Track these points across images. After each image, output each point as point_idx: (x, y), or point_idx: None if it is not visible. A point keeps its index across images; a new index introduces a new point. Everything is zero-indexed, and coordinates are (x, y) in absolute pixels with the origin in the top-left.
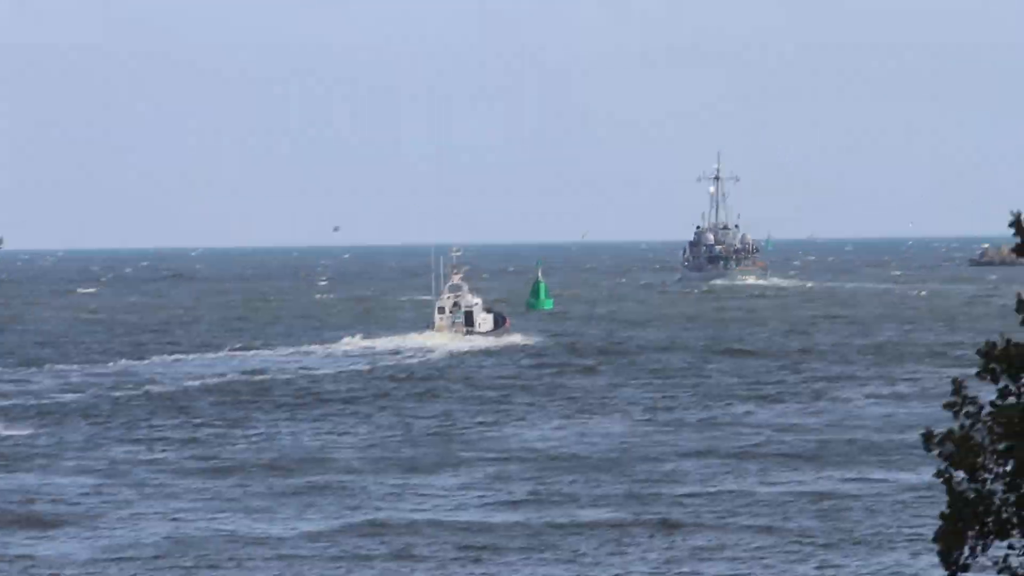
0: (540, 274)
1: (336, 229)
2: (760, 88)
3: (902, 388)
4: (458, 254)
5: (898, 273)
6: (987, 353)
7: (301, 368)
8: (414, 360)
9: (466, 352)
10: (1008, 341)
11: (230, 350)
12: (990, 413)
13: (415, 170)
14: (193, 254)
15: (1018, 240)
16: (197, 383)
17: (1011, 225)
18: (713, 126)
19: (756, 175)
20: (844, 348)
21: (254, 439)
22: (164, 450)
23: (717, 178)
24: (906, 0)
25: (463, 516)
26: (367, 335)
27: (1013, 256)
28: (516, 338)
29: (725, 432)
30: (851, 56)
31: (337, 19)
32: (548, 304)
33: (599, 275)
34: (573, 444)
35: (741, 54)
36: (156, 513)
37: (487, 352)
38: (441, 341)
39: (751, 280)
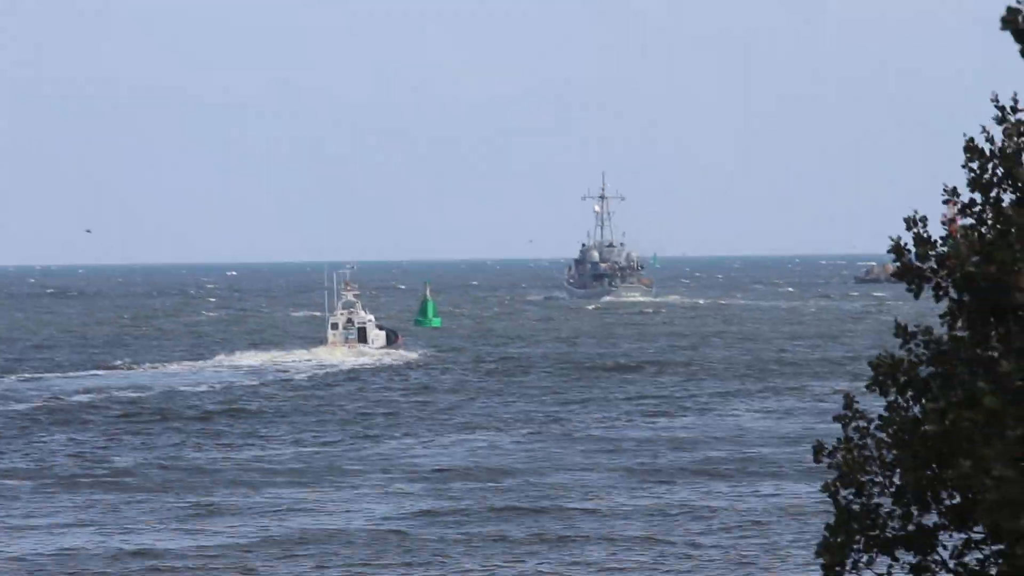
0: (428, 292)
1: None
2: (648, 108)
3: (792, 402)
4: (352, 270)
5: (791, 290)
6: (877, 367)
7: (191, 384)
8: (306, 375)
9: (359, 368)
10: (894, 356)
11: (123, 366)
12: (879, 426)
13: (296, 187)
14: (80, 272)
15: (897, 264)
16: (85, 398)
17: (890, 251)
18: (601, 145)
19: (644, 194)
20: (733, 363)
21: (143, 454)
22: (48, 464)
23: (602, 196)
24: (785, 22)
25: (352, 527)
26: (260, 350)
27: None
28: (408, 354)
29: (612, 447)
30: (738, 77)
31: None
32: (436, 322)
33: (486, 292)
34: (462, 459)
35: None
36: (35, 528)
37: (380, 368)
38: (334, 357)
39: (636, 297)
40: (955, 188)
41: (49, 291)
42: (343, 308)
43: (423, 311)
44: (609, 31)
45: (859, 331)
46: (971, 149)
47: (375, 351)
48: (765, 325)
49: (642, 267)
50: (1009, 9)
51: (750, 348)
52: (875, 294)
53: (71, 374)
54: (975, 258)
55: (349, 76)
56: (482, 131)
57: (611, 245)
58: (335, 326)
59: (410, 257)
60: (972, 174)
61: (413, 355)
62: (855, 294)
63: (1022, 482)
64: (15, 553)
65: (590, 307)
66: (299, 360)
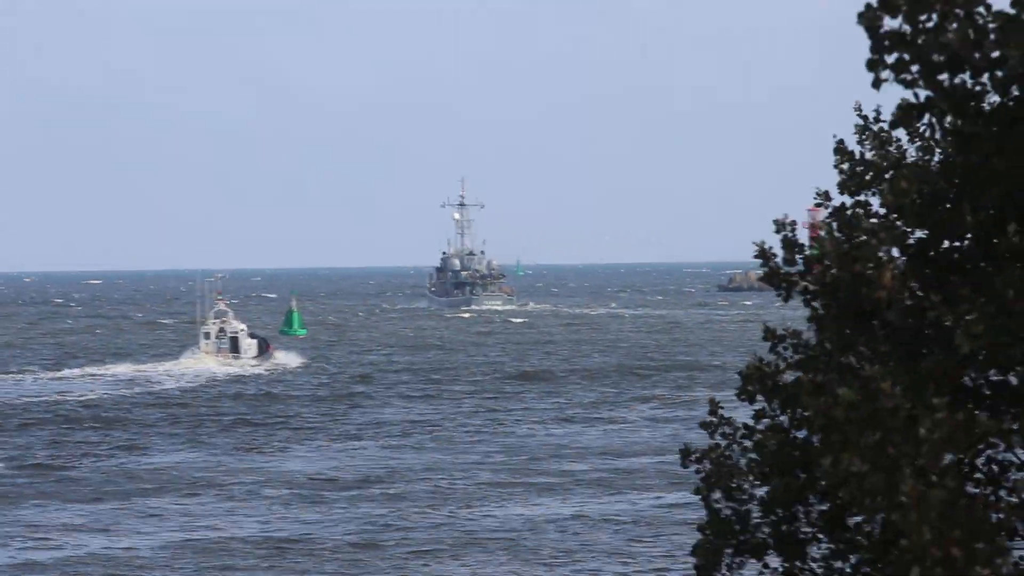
0: (294, 303)
1: None
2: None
3: (665, 411)
4: (223, 279)
5: (660, 298)
6: (747, 376)
7: (58, 393)
8: (177, 386)
9: (231, 377)
10: (761, 362)
11: None
12: (744, 434)
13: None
14: None
15: (764, 269)
16: None
17: (756, 256)
18: (462, 152)
19: (506, 201)
20: (605, 371)
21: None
22: None
23: (462, 204)
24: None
25: (210, 537)
26: (129, 361)
27: (761, 282)
28: (280, 363)
29: (479, 455)
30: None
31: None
32: (301, 332)
33: (352, 300)
34: (330, 468)
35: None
36: None
37: (252, 377)
38: (206, 366)
39: (497, 306)
40: (827, 192)
41: None
42: (215, 317)
43: (288, 321)
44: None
45: (734, 338)
46: (841, 151)
47: (248, 360)
48: (640, 333)
49: (503, 275)
50: (867, 6)
51: (624, 355)
52: (745, 302)
53: None
54: (838, 259)
55: (204, 80)
56: (344, 133)
57: (472, 253)
58: (207, 335)
59: (274, 265)
60: (842, 176)
61: (285, 364)
62: (724, 302)
63: (878, 476)
64: None
65: (448, 315)
66: (170, 370)
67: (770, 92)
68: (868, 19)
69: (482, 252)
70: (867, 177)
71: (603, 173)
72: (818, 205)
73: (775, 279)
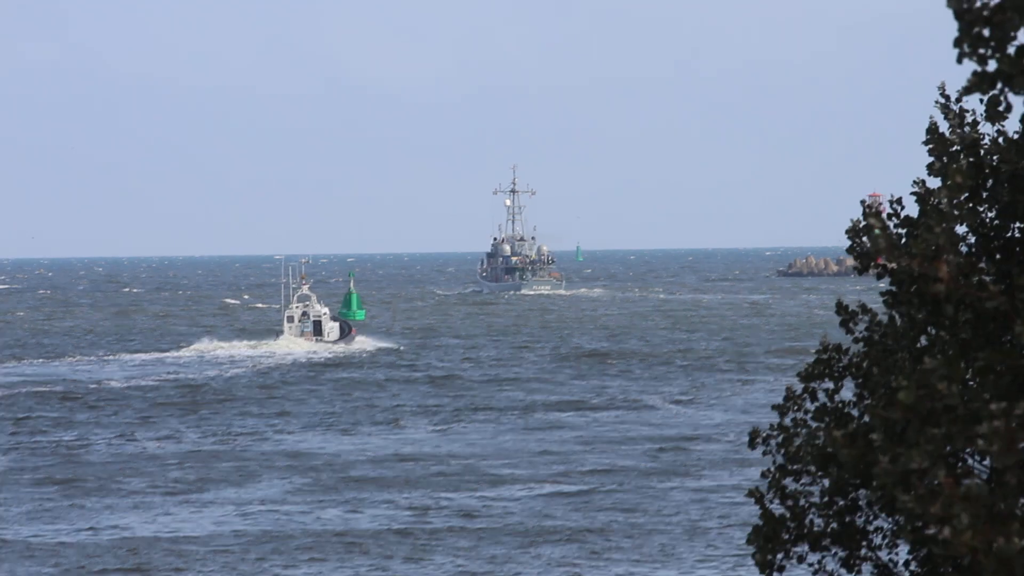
0: (352, 285)
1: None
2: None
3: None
4: (306, 263)
5: (727, 283)
6: (807, 376)
7: (145, 375)
8: (262, 367)
9: (314, 360)
10: (830, 346)
11: (69, 358)
12: (813, 416)
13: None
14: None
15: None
16: (45, 389)
17: (848, 232)
18: (513, 140)
19: (567, 187)
20: (663, 354)
21: (69, 446)
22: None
23: (513, 191)
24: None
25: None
26: (218, 341)
27: (821, 265)
28: (362, 346)
29: (535, 437)
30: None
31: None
32: (360, 315)
33: (407, 285)
34: (397, 449)
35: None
36: None
37: (336, 360)
38: (291, 349)
39: (546, 290)
40: (923, 181)
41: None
42: (298, 301)
43: (347, 303)
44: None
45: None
46: (932, 131)
47: (330, 343)
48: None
49: (553, 261)
50: None
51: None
52: (806, 285)
53: (52, 362)
54: (891, 252)
55: (263, 64)
56: (396, 124)
57: (522, 239)
58: (291, 319)
59: (328, 251)
60: (933, 158)
61: (368, 347)
62: (783, 285)
63: (937, 471)
64: None
65: (505, 298)
66: (256, 352)
67: (836, 72)
68: (956, 2)
69: (532, 238)
70: (946, 159)
71: (663, 157)
72: (913, 194)
73: (860, 256)
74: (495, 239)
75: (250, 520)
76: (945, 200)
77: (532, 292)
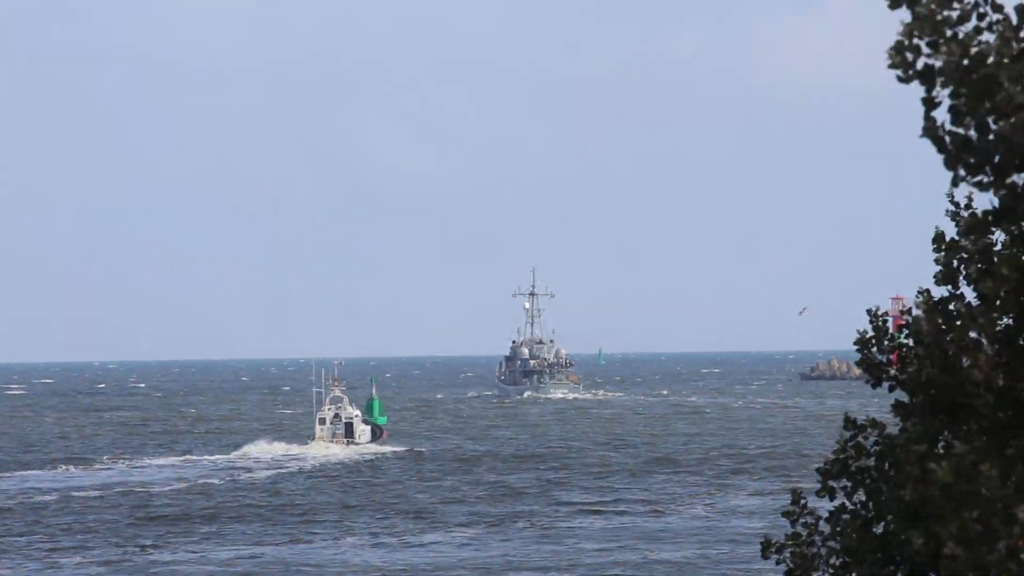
0: (374, 390)
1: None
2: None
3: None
4: (339, 365)
5: (755, 387)
6: (826, 473)
7: (172, 480)
8: (299, 470)
9: (348, 462)
10: (844, 449)
11: (102, 461)
12: (826, 519)
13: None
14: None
15: (862, 355)
16: (91, 495)
17: (856, 343)
18: (531, 242)
19: (588, 289)
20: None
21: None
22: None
23: (532, 294)
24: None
25: None
26: (251, 445)
27: (844, 369)
28: (393, 449)
29: (560, 546)
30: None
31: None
32: (382, 420)
33: (424, 388)
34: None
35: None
36: None
37: (366, 463)
38: (323, 452)
39: (563, 393)
40: (927, 290)
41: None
42: (330, 403)
43: (369, 409)
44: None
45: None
46: (940, 240)
47: (362, 446)
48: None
49: (571, 364)
50: (926, 117)
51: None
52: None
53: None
54: (935, 337)
55: (277, 157)
56: (409, 221)
57: (540, 342)
58: (323, 421)
59: (348, 355)
60: (940, 267)
61: (398, 450)
62: (804, 390)
63: (971, 560)
64: None
65: (519, 399)
66: (287, 455)
67: (856, 183)
68: (930, 131)
69: (551, 341)
70: (958, 266)
71: (685, 260)
72: (918, 305)
73: (869, 368)
74: (513, 342)
75: None
76: (989, 291)
77: (550, 395)
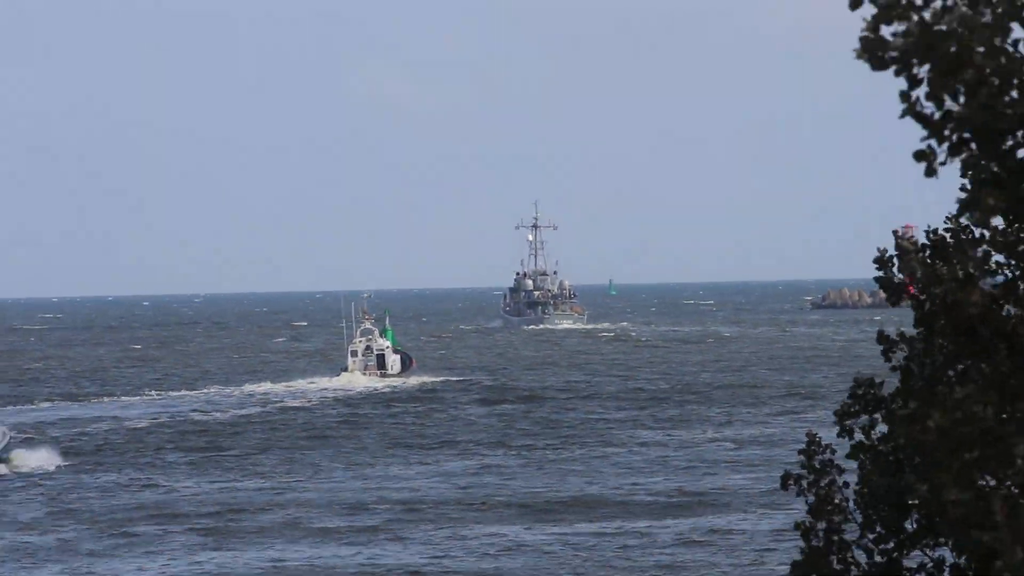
0: (388, 322)
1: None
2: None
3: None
4: (367, 298)
5: (779, 314)
6: (842, 415)
7: (210, 410)
8: (331, 400)
9: (382, 393)
10: (862, 384)
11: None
12: (848, 455)
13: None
14: (55, 300)
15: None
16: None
17: (875, 261)
18: (536, 175)
19: (590, 223)
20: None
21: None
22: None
23: (535, 226)
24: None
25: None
26: (282, 379)
27: (855, 297)
28: (423, 378)
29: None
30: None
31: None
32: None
33: (432, 320)
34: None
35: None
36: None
37: (402, 393)
38: (356, 382)
39: (568, 324)
40: (935, 229)
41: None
42: (361, 335)
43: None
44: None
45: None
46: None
47: (394, 376)
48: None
49: (574, 295)
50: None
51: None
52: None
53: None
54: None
55: (286, 97)
56: (409, 152)
57: (544, 274)
58: (355, 353)
59: (346, 287)
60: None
61: (428, 379)
62: (814, 318)
63: (976, 503)
64: None
65: (526, 331)
66: (323, 387)
67: (873, 102)
68: (910, 110)
69: (555, 273)
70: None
71: (696, 188)
72: (946, 230)
73: (887, 287)
74: (517, 274)
75: None
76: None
77: (554, 326)
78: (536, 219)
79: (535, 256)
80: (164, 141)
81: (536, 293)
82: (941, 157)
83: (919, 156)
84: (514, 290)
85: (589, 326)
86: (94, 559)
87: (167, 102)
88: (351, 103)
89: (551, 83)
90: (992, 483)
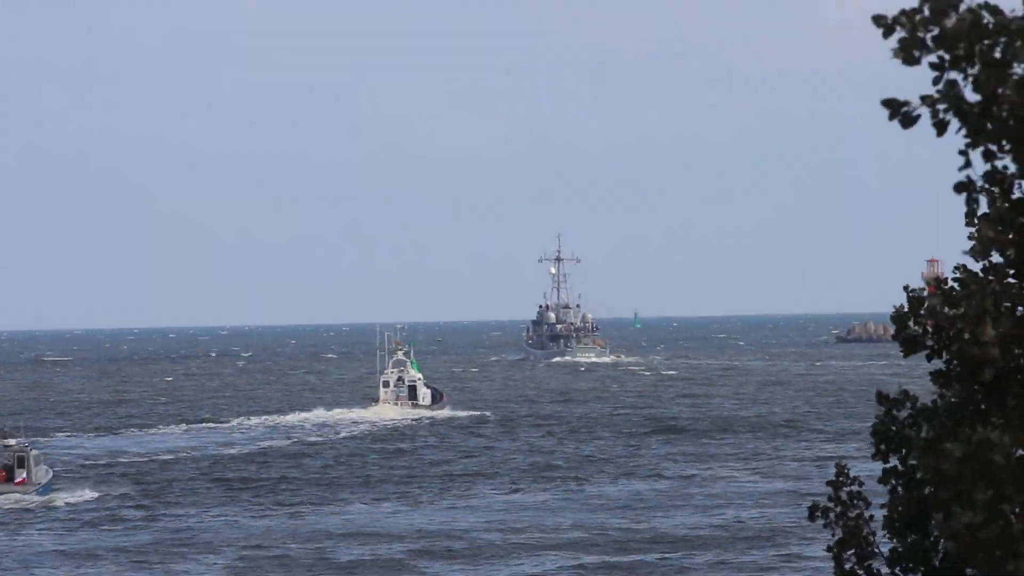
0: (412, 354)
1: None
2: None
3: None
4: (401, 329)
5: (792, 350)
6: (877, 434)
7: (237, 441)
8: (361, 432)
9: (414, 425)
10: (887, 417)
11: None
12: (880, 482)
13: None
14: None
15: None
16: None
17: (892, 318)
18: (557, 208)
19: (614, 256)
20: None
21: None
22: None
23: (558, 259)
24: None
25: None
26: (314, 409)
27: (880, 331)
28: (453, 412)
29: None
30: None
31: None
32: None
33: (453, 353)
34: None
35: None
36: None
37: (439, 425)
38: (388, 414)
39: (591, 357)
40: (964, 265)
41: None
42: (393, 367)
43: None
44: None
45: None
46: (972, 214)
47: (425, 408)
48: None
49: (597, 328)
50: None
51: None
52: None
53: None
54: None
55: (306, 129)
56: (435, 187)
57: (567, 307)
58: (387, 384)
59: (370, 320)
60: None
61: (458, 412)
62: (841, 352)
63: (989, 528)
64: None
65: (542, 365)
66: (355, 418)
67: (898, 142)
68: (950, 99)
69: (577, 306)
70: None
71: (716, 221)
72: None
73: (906, 342)
74: (541, 307)
75: None
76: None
77: (577, 359)
78: (559, 252)
79: (558, 289)
80: (190, 166)
81: (559, 326)
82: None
83: (960, 188)
84: (537, 323)
85: (610, 359)
86: None
87: (199, 127)
88: (378, 134)
89: (574, 111)
90: (1017, 510)
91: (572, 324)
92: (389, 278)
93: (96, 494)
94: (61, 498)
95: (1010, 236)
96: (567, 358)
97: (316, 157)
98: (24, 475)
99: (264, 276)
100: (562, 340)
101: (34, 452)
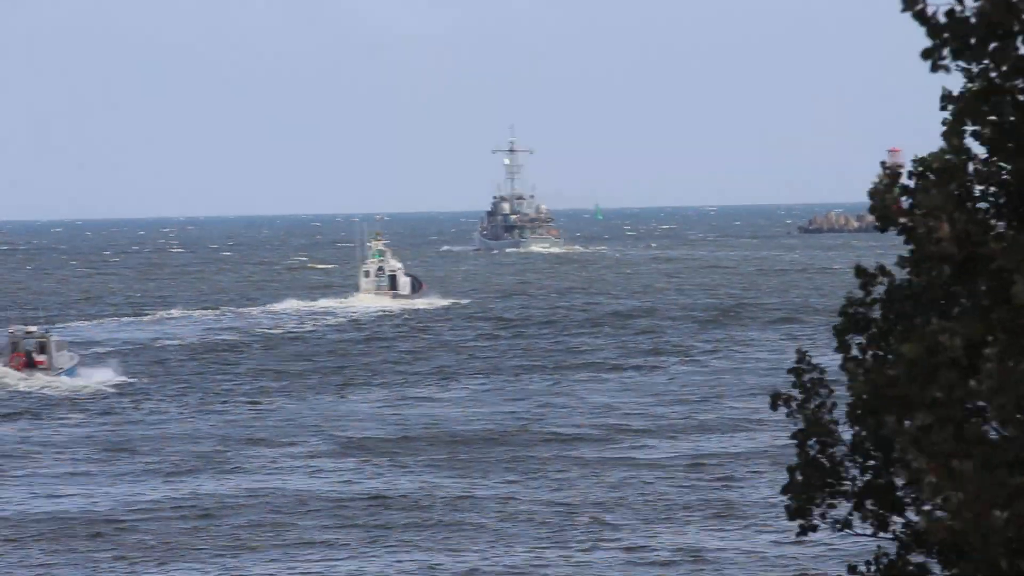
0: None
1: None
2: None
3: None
4: (381, 219)
5: (756, 240)
6: (841, 331)
7: (224, 329)
8: (346, 321)
9: (396, 313)
10: (852, 305)
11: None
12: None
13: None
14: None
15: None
16: (175, 343)
17: (870, 193)
18: (514, 99)
19: (575, 148)
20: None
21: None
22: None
23: (511, 150)
24: None
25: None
26: (298, 298)
27: (842, 222)
28: (433, 300)
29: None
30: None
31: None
32: None
33: (411, 243)
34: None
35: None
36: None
37: (415, 314)
38: (369, 303)
39: (544, 248)
40: (923, 158)
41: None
42: (373, 256)
43: None
44: None
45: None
46: (947, 97)
47: (405, 297)
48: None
49: (551, 219)
50: None
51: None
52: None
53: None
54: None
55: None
56: (391, 77)
57: (521, 197)
58: (367, 274)
59: (324, 211)
60: (946, 125)
61: (438, 301)
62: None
63: (941, 435)
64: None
65: (495, 253)
66: (338, 307)
67: (856, 36)
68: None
69: (531, 196)
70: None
71: (679, 110)
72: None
73: (883, 216)
74: (495, 198)
75: None
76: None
77: (530, 249)
78: (512, 143)
79: (512, 181)
80: (160, 57)
81: (513, 217)
82: (946, 57)
83: (926, 54)
84: (491, 214)
85: (563, 249)
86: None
87: (167, 17)
88: (342, 29)
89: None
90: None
91: (526, 215)
92: (336, 170)
93: (122, 378)
94: (88, 381)
95: (984, 108)
96: (520, 248)
97: (264, 45)
98: (45, 358)
99: (218, 167)
100: (516, 230)
101: (55, 338)
